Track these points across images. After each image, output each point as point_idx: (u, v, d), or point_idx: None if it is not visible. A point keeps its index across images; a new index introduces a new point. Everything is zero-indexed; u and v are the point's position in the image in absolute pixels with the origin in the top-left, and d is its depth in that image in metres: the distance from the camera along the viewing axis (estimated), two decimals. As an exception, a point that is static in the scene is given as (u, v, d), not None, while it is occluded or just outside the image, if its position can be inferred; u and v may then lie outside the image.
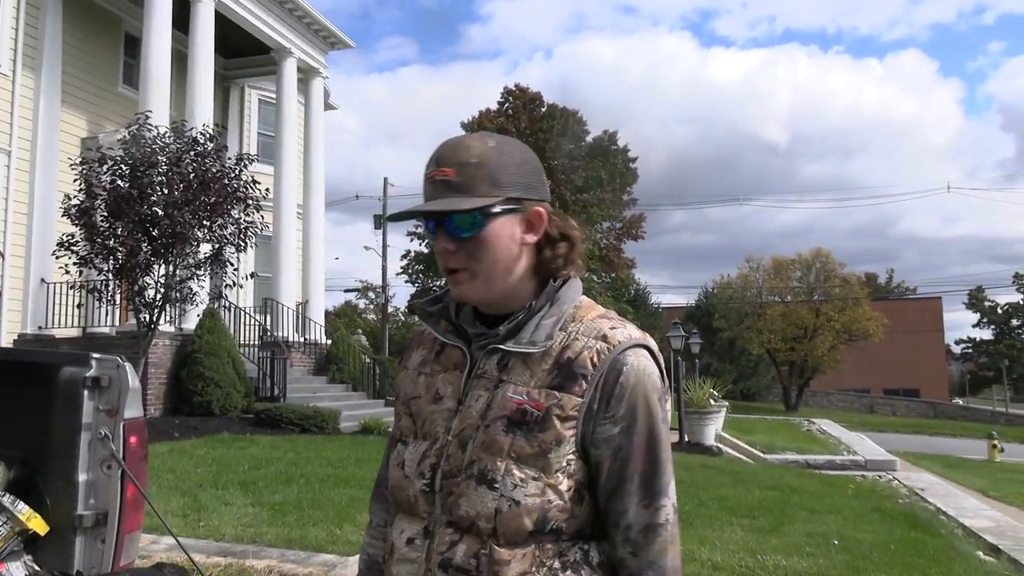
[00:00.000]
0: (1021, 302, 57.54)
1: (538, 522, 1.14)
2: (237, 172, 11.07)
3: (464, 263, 1.20)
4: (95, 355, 3.09)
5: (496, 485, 1.15)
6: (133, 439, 3.04)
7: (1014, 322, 58.67)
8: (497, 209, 1.17)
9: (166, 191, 10.45)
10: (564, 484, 1.16)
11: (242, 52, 17.56)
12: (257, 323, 15.29)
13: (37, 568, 2.91)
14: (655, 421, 1.17)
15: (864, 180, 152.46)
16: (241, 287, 12.13)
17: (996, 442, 20.70)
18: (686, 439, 15.57)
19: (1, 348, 11.55)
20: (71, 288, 12.25)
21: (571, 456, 1.16)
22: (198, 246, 10.92)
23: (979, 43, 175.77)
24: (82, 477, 2.98)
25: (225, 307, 13.94)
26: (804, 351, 40.72)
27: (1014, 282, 56.94)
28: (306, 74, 17.88)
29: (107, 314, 12.65)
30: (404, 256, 38.37)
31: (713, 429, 16.97)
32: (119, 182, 10.38)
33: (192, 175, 10.59)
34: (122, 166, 10.48)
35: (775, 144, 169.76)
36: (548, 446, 1.15)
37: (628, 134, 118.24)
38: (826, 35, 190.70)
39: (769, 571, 5.19)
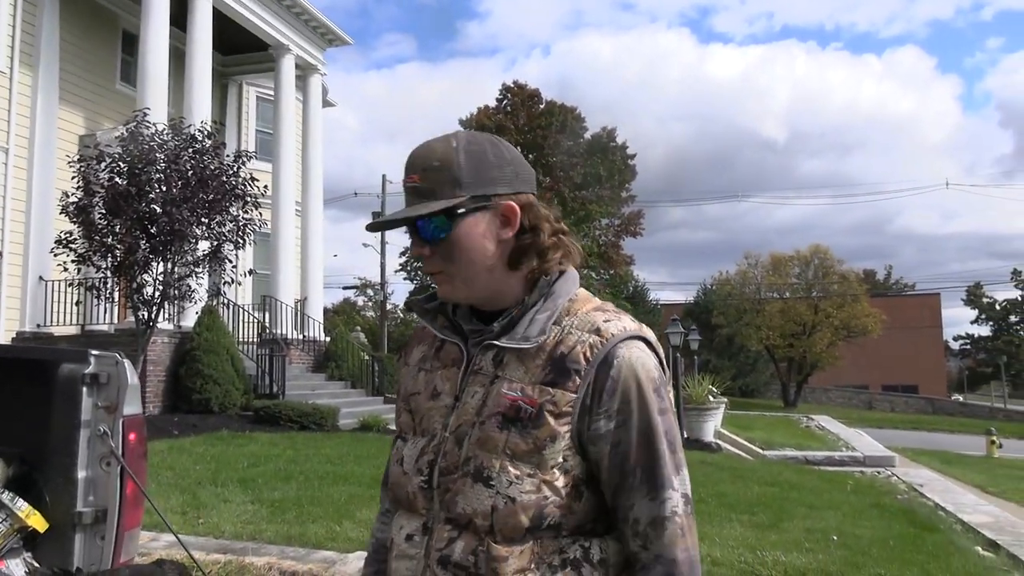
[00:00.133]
0: (1019, 298, 57.62)
1: (534, 519, 1.13)
2: (235, 169, 11.06)
3: (441, 266, 1.21)
4: (94, 351, 3.08)
5: (492, 482, 1.14)
6: (132, 436, 3.03)
7: (1012, 318, 58.77)
8: (462, 209, 1.17)
9: (164, 188, 10.43)
10: (560, 480, 1.15)
11: (240, 49, 17.53)
12: (256, 320, 15.28)
13: (37, 565, 2.91)
14: (651, 412, 1.16)
15: (862, 176, 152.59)
16: (240, 284, 12.12)
17: (994, 438, 20.75)
18: (685, 435, 15.58)
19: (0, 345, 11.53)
20: (69, 286, 12.25)
21: (567, 452, 1.15)
22: (196, 243, 10.91)
23: (977, 39, 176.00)
24: (81, 474, 2.97)
25: (224, 304, 13.93)
26: (803, 347, 40.77)
27: (1012, 278, 57.05)
28: (304, 71, 17.86)
29: (106, 312, 12.63)
30: (403, 253, 38.38)
31: (712, 425, 17.01)
32: (117, 179, 10.36)
33: (190, 172, 10.57)
34: (120, 163, 10.46)
35: (773, 140, 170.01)
36: (542, 442, 1.14)
37: (626, 131, 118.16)
38: (824, 31, 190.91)
39: (768, 567, 5.20)
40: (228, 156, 11.27)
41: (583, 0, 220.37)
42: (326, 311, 25.70)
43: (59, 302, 13.04)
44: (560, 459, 1.15)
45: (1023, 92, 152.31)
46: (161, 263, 10.69)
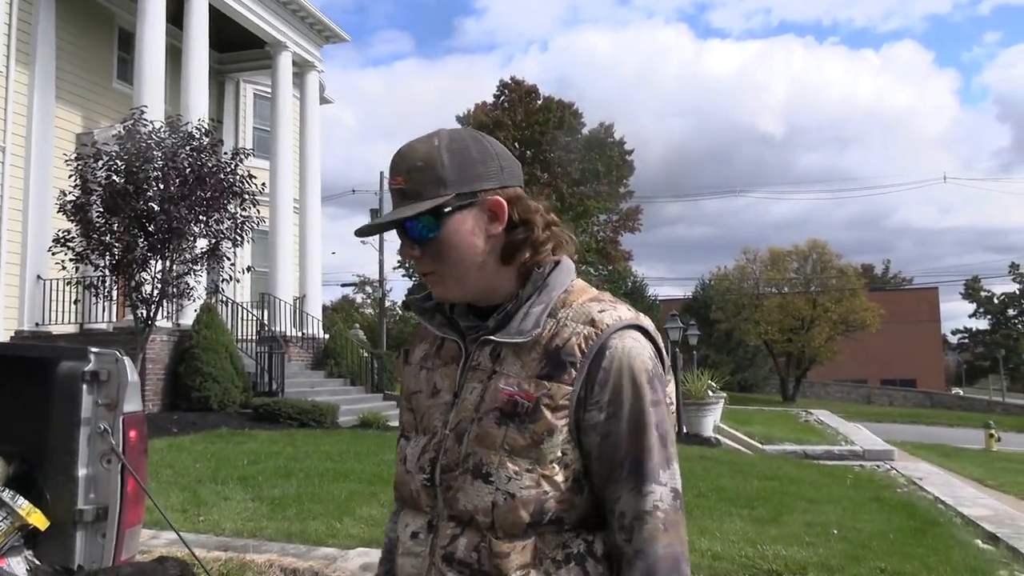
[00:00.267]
0: (1017, 292, 57.67)
1: (535, 514, 1.13)
2: (233, 167, 11.05)
3: (432, 266, 1.21)
4: (93, 349, 3.08)
5: (491, 479, 1.14)
6: (133, 433, 3.03)
7: (1010, 312, 58.80)
8: (448, 208, 1.17)
9: (162, 186, 10.42)
10: (560, 475, 1.14)
11: (237, 46, 17.50)
12: (254, 318, 15.27)
13: (38, 563, 2.91)
14: (643, 404, 1.14)
15: (860, 171, 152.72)
16: (238, 282, 12.13)
17: (993, 431, 20.74)
18: (684, 430, 15.59)
19: (-2, 345, 11.52)
20: (68, 284, 12.23)
21: (566, 446, 1.14)
22: (194, 241, 10.90)
23: (975, 34, 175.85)
24: (82, 472, 2.97)
25: (222, 302, 13.92)
26: (801, 342, 40.81)
27: (1010, 272, 57.10)
28: (301, 68, 17.83)
29: (104, 310, 12.63)
30: (400, 250, 38.35)
31: (711, 420, 17.00)
32: (115, 178, 10.35)
33: (188, 170, 10.56)
34: (117, 161, 10.45)
35: (771, 136, 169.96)
36: (540, 437, 1.13)
37: (624, 127, 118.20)
38: (822, 26, 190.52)
39: (769, 561, 5.20)
40: (226, 154, 11.26)
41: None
42: (325, 308, 25.67)
43: (57, 301, 13.03)
44: (559, 453, 1.14)
45: (1021, 86, 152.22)
46: (159, 261, 10.68)
